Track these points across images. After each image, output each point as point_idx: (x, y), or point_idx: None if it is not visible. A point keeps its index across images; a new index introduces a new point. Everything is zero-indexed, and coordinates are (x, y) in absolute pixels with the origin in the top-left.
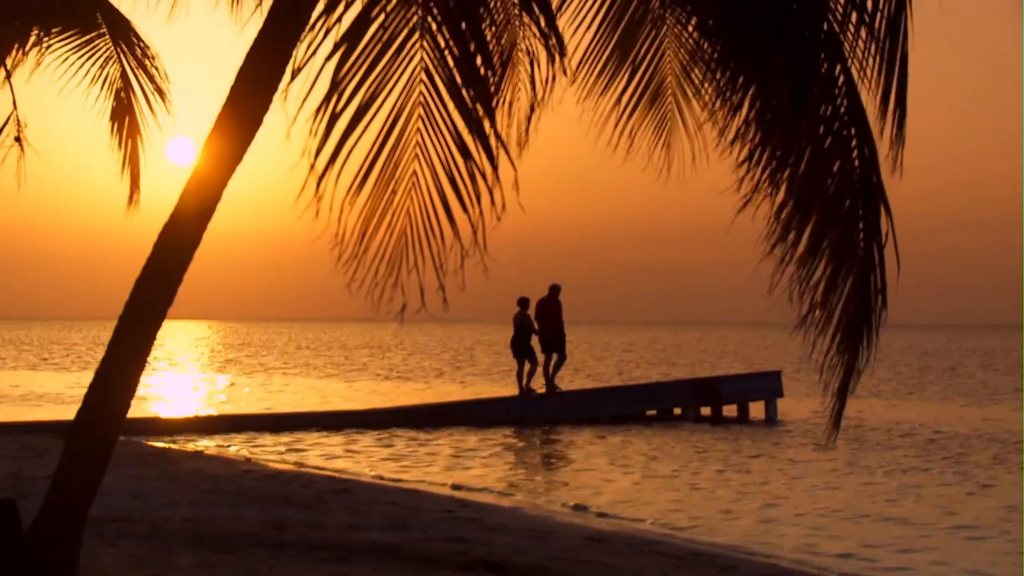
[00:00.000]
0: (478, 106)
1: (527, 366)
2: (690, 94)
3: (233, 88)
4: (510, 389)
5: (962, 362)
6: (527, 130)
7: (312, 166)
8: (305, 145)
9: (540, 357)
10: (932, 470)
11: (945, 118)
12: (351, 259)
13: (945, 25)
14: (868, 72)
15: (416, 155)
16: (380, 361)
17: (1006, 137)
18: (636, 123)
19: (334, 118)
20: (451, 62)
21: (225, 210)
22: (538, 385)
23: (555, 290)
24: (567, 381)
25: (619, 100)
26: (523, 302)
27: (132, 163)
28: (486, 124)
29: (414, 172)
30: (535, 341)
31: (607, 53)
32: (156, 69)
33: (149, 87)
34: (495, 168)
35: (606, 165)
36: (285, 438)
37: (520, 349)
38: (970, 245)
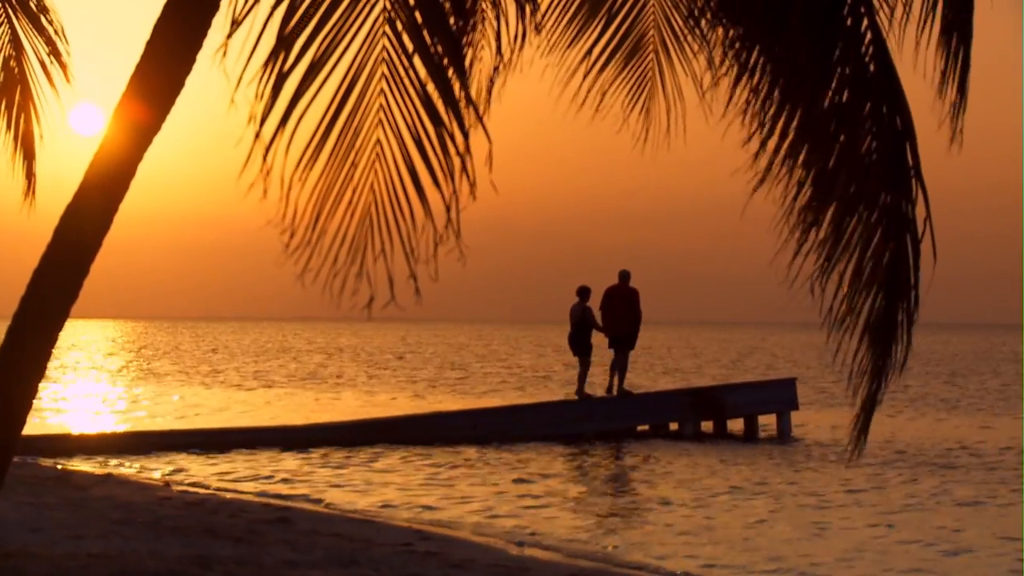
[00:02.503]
0: (447, 65)
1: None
2: (673, 52)
3: (149, 44)
4: (475, 401)
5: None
6: (489, 94)
7: (257, 135)
8: (250, 111)
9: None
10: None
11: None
12: (303, 245)
13: None
14: (907, 18)
15: (380, 121)
16: (334, 366)
17: None
18: (608, 80)
19: (282, 78)
20: (417, 10)
21: (153, 190)
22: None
23: (626, 277)
24: (548, 392)
25: (589, 52)
26: (583, 292)
27: (26, 146)
28: (456, 86)
29: (378, 141)
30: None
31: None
32: (51, 25)
33: (44, 49)
34: (466, 137)
35: (585, 136)
36: (212, 459)
37: (580, 347)
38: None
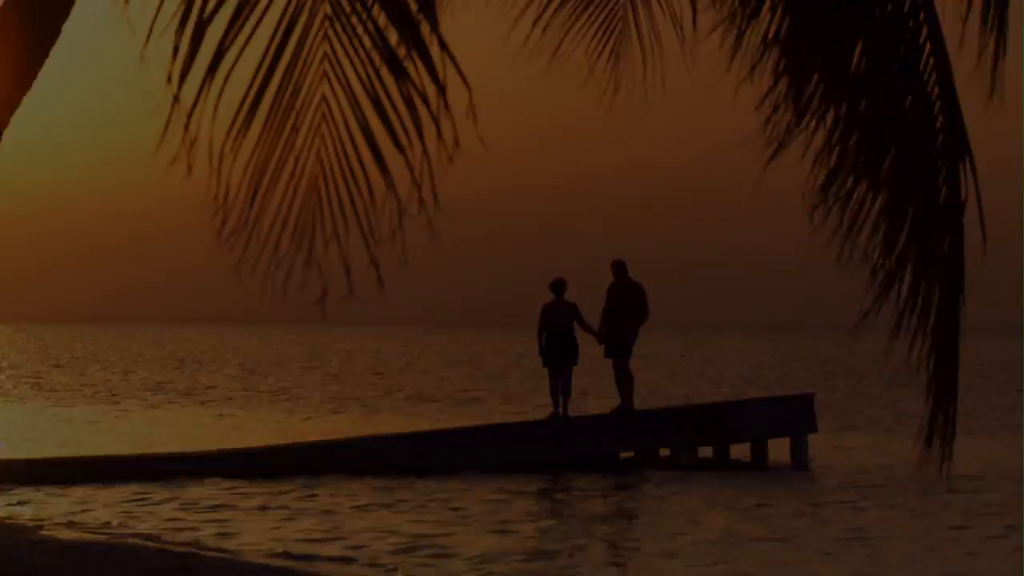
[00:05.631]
0: None
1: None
2: None
3: None
4: (415, 422)
5: None
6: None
7: (176, 98)
8: (167, 69)
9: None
10: None
11: None
12: (238, 229)
13: None
14: None
15: (325, 73)
16: (268, 382)
17: None
18: (566, 21)
19: (203, 25)
20: None
21: (20, 164)
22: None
23: (622, 269)
24: (500, 412)
25: None
26: (560, 285)
27: None
28: (424, 25)
29: (323, 98)
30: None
31: None
32: None
33: None
34: (442, 89)
35: (552, 100)
36: (92, 493)
37: (565, 356)
38: None
